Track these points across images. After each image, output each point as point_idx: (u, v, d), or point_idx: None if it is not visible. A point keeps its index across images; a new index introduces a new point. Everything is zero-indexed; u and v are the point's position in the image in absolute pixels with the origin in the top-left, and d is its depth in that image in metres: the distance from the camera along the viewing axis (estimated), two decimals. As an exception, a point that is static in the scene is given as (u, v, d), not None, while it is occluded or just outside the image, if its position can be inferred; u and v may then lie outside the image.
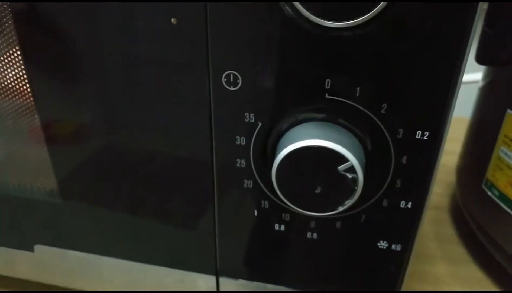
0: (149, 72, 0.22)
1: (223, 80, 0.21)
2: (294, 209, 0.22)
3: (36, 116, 0.26)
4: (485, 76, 0.38)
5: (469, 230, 0.41)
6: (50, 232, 0.30)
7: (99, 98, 0.24)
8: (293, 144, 0.20)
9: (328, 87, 0.20)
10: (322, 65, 0.20)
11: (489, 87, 0.37)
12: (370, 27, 0.19)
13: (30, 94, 0.25)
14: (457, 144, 0.43)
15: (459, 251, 0.41)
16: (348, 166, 0.19)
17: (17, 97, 0.26)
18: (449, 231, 0.44)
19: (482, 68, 0.38)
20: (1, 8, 0.23)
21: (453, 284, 0.38)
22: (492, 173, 0.35)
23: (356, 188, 0.20)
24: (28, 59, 0.24)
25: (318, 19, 0.18)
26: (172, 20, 0.21)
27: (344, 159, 0.19)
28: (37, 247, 0.31)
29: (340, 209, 0.20)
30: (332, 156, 0.19)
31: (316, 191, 0.20)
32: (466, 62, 0.19)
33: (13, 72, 0.25)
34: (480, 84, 0.39)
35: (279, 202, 0.23)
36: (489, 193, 0.35)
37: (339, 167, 0.20)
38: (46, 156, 0.27)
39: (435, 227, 0.45)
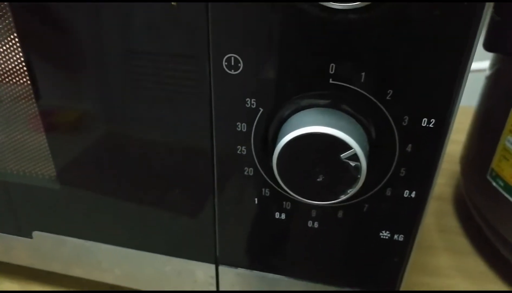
0: (147, 58, 0.22)
1: (224, 64, 0.21)
2: (295, 197, 0.21)
3: (34, 103, 0.25)
4: (493, 65, 0.37)
5: (472, 221, 0.41)
6: (48, 218, 0.29)
7: (98, 86, 0.23)
8: (295, 131, 0.19)
9: (332, 72, 0.20)
10: (326, 50, 0.19)
11: (497, 76, 0.36)
12: (376, 10, 0.18)
13: (29, 81, 0.25)
14: (462, 133, 0.43)
15: (462, 242, 0.41)
16: (351, 154, 0.19)
17: (15, 84, 0.26)
18: (452, 221, 0.44)
19: (490, 56, 0.37)
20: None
21: (455, 276, 0.38)
22: (498, 163, 0.34)
23: (359, 176, 0.19)
24: (26, 47, 0.23)
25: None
26: (172, 2, 0.20)
27: (347, 146, 0.19)
28: (36, 234, 0.30)
29: (343, 197, 0.20)
30: (335, 143, 0.19)
31: (318, 179, 0.20)
32: (476, 49, 0.19)
33: (12, 59, 0.25)
34: (487, 73, 0.38)
35: (280, 190, 0.23)
36: (494, 184, 0.35)
37: (342, 155, 0.19)
38: (45, 143, 0.27)
39: (437, 217, 0.44)
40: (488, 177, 0.35)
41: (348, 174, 0.19)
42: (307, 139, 0.19)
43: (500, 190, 0.34)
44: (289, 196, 0.23)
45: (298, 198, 0.21)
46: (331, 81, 0.20)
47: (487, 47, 0.32)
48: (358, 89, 0.20)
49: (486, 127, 0.38)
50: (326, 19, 0.19)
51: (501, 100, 0.35)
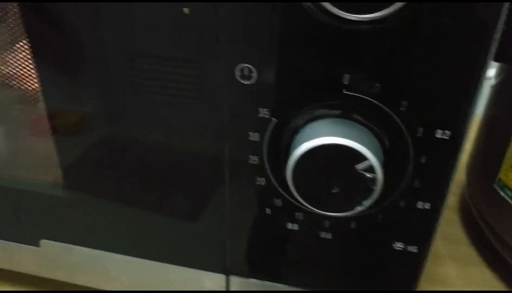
0: (159, 65, 0.22)
1: (237, 73, 0.21)
2: (308, 208, 0.21)
3: (42, 108, 0.25)
4: (499, 74, 0.37)
5: (478, 230, 0.41)
6: (55, 226, 0.29)
7: (108, 92, 0.23)
8: (310, 142, 0.19)
9: (345, 83, 0.20)
10: (340, 60, 0.19)
11: (502, 85, 0.36)
12: (391, 21, 0.18)
13: (37, 86, 0.25)
14: (468, 142, 0.43)
15: (468, 251, 0.41)
16: (368, 165, 0.19)
17: (23, 88, 0.25)
18: (457, 230, 0.44)
19: (496, 65, 0.37)
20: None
21: (461, 285, 0.37)
22: (505, 173, 0.34)
23: (375, 188, 0.19)
24: (36, 51, 0.23)
25: (337, 10, 0.18)
26: (184, 9, 0.20)
27: (363, 158, 0.19)
28: (43, 242, 0.30)
29: (358, 209, 0.20)
30: (351, 154, 0.19)
31: (333, 191, 0.19)
32: (490, 60, 0.19)
33: (20, 63, 0.25)
34: (493, 81, 0.38)
35: (292, 200, 0.23)
36: (502, 193, 0.34)
37: (357, 166, 0.19)
38: (52, 149, 0.26)
39: (442, 226, 0.44)
40: (495, 186, 0.35)
41: (364, 185, 0.19)
42: (323, 150, 0.19)
43: (508, 199, 0.34)
44: (301, 206, 0.23)
45: (311, 209, 0.21)
46: (345, 91, 0.20)
47: (495, 57, 0.32)
48: (372, 100, 0.20)
49: (492, 136, 0.38)
50: (340, 29, 0.19)
51: (507, 109, 0.35)
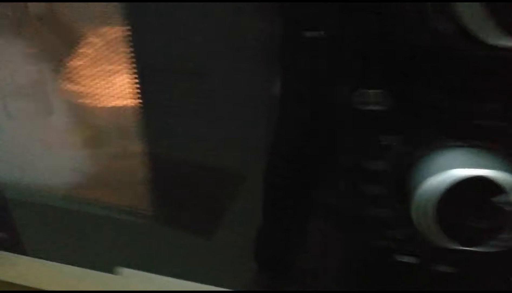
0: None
1: (357, 98, 0.20)
2: (429, 240, 0.20)
3: (137, 135, 0.24)
4: None
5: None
6: (136, 254, 0.28)
7: (205, 109, 0.23)
8: (454, 174, 0.18)
9: (477, 111, 0.19)
10: (473, 87, 0.19)
11: None
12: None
13: (135, 109, 0.24)
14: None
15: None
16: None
17: (119, 107, 0.25)
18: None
19: None
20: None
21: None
22: None
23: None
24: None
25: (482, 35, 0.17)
26: (307, 33, 0.20)
27: (505, 191, 0.18)
28: (121, 270, 0.29)
29: (498, 244, 0.19)
30: (493, 187, 0.18)
31: (475, 224, 0.19)
32: None
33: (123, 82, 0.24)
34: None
35: (412, 231, 0.22)
36: None
37: (502, 199, 0.18)
38: (141, 174, 0.25)
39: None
40: None
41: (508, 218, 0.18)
42: (467, 182, 0.18)
43: None
44: (419, 237, 0.21)
45: (439, 242, 0.20)
46: (475, 121, 0.19)
47: None
48: (504, 128, 0.19)
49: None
50: (477, 57, 0.18)
51: None
